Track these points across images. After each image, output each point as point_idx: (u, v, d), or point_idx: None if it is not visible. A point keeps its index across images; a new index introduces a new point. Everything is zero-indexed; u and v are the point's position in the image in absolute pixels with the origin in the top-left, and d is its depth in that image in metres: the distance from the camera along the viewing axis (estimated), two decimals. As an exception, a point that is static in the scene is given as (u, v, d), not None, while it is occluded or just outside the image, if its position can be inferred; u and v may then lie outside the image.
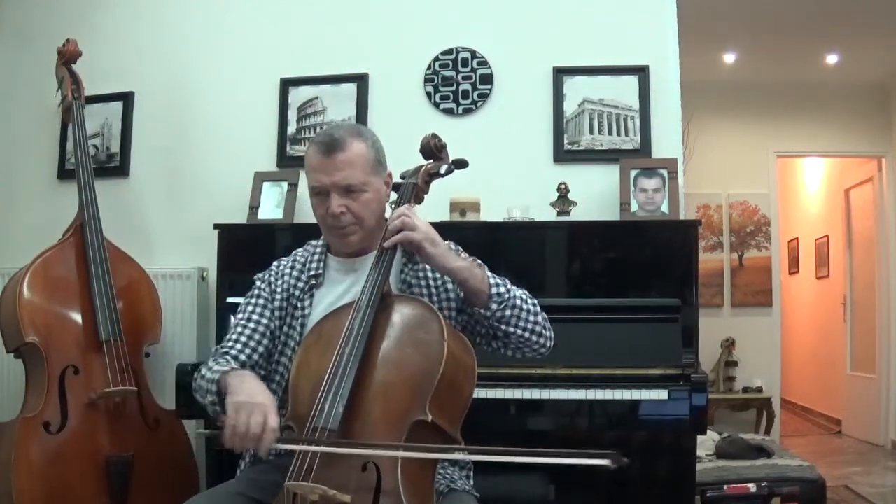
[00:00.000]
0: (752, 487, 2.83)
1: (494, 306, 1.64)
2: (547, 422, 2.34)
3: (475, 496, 1.67)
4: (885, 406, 5.41)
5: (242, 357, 1.68)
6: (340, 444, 1.41)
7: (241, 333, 1.72)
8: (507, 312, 1.65)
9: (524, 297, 1.70)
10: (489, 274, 1.67)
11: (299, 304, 1.74)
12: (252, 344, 1.71)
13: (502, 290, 1.65)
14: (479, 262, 1.77)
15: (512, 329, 1.67)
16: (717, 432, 3.61)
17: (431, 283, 1.74)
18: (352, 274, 1.73)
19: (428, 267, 1.77)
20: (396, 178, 1.87)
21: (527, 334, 1.68)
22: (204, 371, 1.63)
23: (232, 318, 1.78)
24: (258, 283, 1.82)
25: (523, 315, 1.67)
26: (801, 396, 7.22)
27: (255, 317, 1.75)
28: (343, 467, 1.40)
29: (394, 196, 1.83)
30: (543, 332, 1.70)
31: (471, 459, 1.41)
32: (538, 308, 1.71)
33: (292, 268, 1.80)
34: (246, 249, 2.84)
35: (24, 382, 2.57)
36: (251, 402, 1.43)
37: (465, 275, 1.63)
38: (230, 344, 1.70)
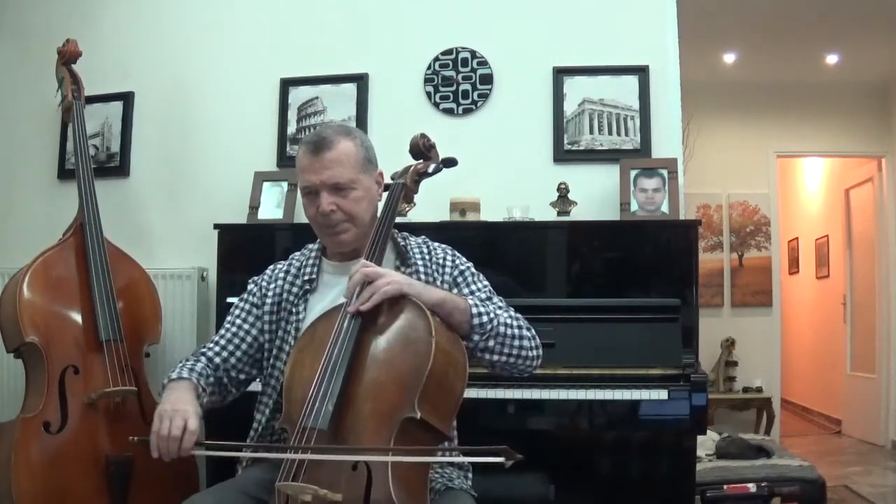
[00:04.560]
0: (752, 487, 2.83)
1: (477, 337, 1.62)
2: (547, 422, 2.34)
3: (472, 495, 1.67)
4: (885, 406, 5.42)
5: (217, 360, 1.75)
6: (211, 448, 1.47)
7: (222, 336, 1.79)
8: (491, 343, 1.64)
9: (508, 321, 1.66)
10: (472, 302, 1.64)
11: (293, 310, 1.75)
12: (230, 348, 1.77)
13: (485, 319, 1.62)
14: (473, 270, 1.79)
15: (496, 357, 1.66)
16: (717, 432, 3.61)
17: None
18: (345, 277, 1.71)
19: (421, 268, 1.77)
20: (388, 180, 1.88)
21: (511, 359, 1.66)
22: (171, 372, 1.70)
23: (229, 319, 1.82)
24: (251, 286, 1.85)
25: (507, 342, 1.65)
26: (801, 396, 7.22)
27: (238, 321, 1.80)
28: (333, 467, 1.40)
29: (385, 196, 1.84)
30: (529, 353, 1.68)
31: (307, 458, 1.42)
32: (524, 329, 1.68)
33: (287, 272, 1.81)
34: (246, 249, 2.84)
35: (24, 382, 2.57)
36: (172, 408, 1.52)
37: (448, 307, 1.60)
38: (210, 344, 1.78)
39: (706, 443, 3.32)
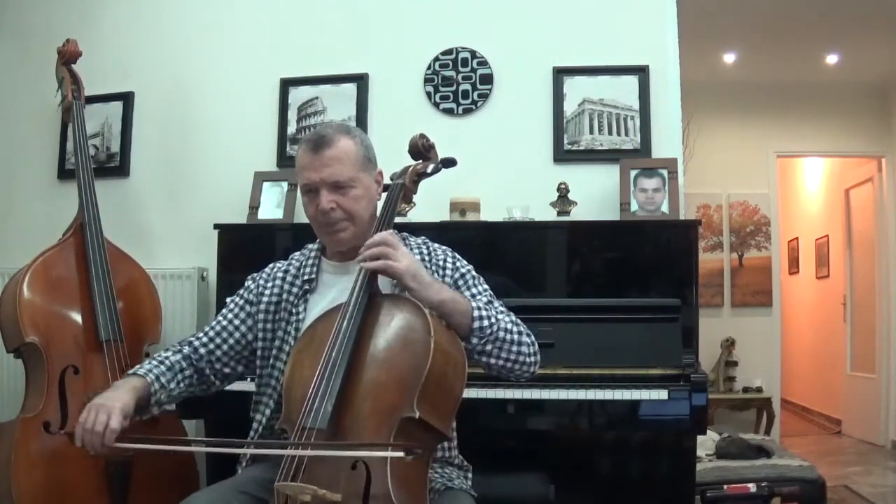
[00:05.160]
0: (752, 487, 2.83)
1: (475, 340, 1.62)
2: (547, 422, 2.34)
3: (472, 495, 1.67)
4: (885, 406, 5.41)
5: (203, 350, 1.76)
6: (170, 442, 1.46)
7: (212, 328, 1.80)
8: (489, 347, 1.64)
9: (509, 326, 1.66)
10: (474, 305, 1.64)
11: (293, 310, 1.75)
12: (217, 340, 1.78)
13: (485, 323, 1.62)
14: (474, 274, 1.79)
15: (493, 360, 1.66)
16: (717, 432, 3.61)
17: None
18: (345, 276, 1.72)
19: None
20: (387, 180, 1.88)
21: (509, 364, 1.66)
22: (149, 358, 1.74)
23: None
24: (248, 282, 1.85)
25: (506, 346, 1.65)
26: (801, 396, 7.22)
27: (230, 315, 1.81)
28: (332, 466, 1.40)
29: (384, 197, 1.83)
30: (527, 359, 1.68)
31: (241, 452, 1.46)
32: (524, 335, 1.68)
33: (286, 272, 1.81)
34: (246, 249, 2.85)
35: (24, 382, 2.57)
36: (101, 403, 1.53)
37: (448, 308, 1.60)
38: (200, 334, 1.79)
39: (706, 443, 3.32)
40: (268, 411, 1.74)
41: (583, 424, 2.32)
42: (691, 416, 2.24)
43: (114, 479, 2.44)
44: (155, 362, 1.70)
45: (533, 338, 1.70)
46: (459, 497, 1.62)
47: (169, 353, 1.74)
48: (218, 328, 1.79)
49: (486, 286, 1.80)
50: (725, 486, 2.83)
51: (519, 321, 1.71)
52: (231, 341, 1.78)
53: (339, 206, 1.70)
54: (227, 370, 1.79)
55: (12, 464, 2.32)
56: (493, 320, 1.64)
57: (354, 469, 1.39)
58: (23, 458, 2.34)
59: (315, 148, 1.70)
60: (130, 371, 1.68)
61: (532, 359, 1.69)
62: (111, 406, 1.52)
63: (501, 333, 1.64)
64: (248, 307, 1.81)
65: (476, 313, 1.62)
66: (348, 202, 1.70)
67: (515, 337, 1.66)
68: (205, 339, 1.78)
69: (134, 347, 2.65)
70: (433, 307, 1.58)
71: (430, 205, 2.64)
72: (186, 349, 1.76)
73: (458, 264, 1.81)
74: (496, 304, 1.75)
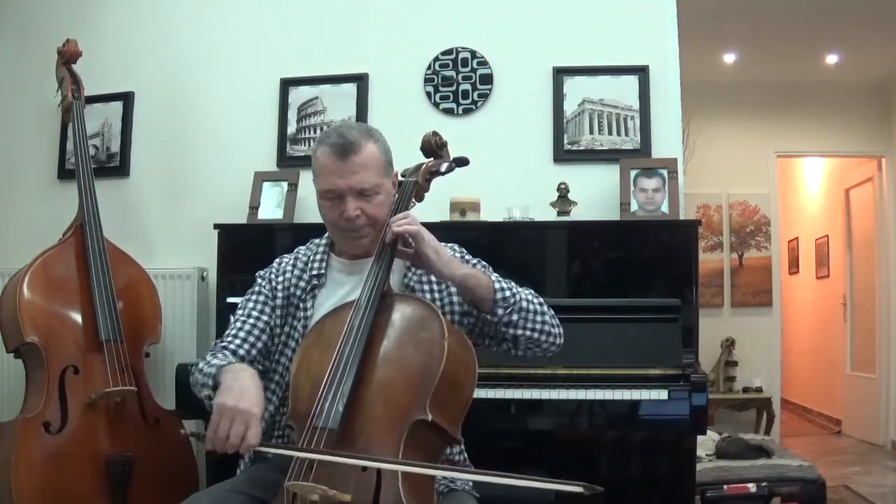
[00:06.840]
0: (752, 487, 2.83)
1: (500, 311, 1.63)
2: (547, 422, 2.34)
3: (474, 496, 1.67)
4: (885, 406, 5.42)
5: (241, 352, 1.68)
6: (330, 452, 1.40)
7: (240, 329, 1.72)
8: (514, 317, 1.65)
9: (530, 297, 1.69)
10: (494, 277, 1.66)
11: (301, 305, 1.74)
12: (251, 339, 1.71)
13: (507, 294, 1.64)
14: (484, 263, 1.78)
15: (520, 332, 1.66)
16: (717, 432, 3.61)
17: (435, 286, 1.74)
18: (355, 275, 1.71)
19: None
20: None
21: (535, 335, 1.68)
22: (202, 365, 1.63)
23: (231, 318, 1.79)
24: (259, 279, 1.83)
25: (530, 316, 1.66)
26: (801, 396, 7.22)
27: (255, 313, 1.75)
28: (343, 467, 1.39)
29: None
30: (552, 329, 1.70)
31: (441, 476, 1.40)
32: (545, 307, 1.70)
33: (294, 266, 1.80)
34: (246, 249, 2.84)
35: (24, 382, 2.57)
36: (237, 407, 1.41)
37: (472, 282, 1.61)
38: (229, 339, 1.71)
39: (706, 443, 3.32)
40: (271, 407, 1.73)
41: (583, 424, 2.32)
42: (691, 416, 2.24)
43: (114, 479, 2.44)
44: (223, 363, 1.58)
45: (553, 311, 1.71)
46: (462, 498, 1.61)
47: (220, 358, 1.63)
48: (247, 328, 1.73)
49: (497, 275, 1.80)
50: (725, 486, 2.83)
51: (538, 294, 1.72)
52: (264, 338, 1.73)
53: (364, 212, 1.68)
54: (260, 367, 1.73)
55: (12, 464, 2.32)
56: (514, 290, 1.66)
57: (365, 470, 1.39)
58: (23, 458, 2.34)
59: (342, 153, 1.66)
60: (222, 362, 1.57)
61: (557, 329, 1.71)
62: (250, 413, 1.41)
63: (524, 303, 1.66)
64: (269, 302, 1.77)
65: (497, 285, 1.64)
66: (373, 209, 1.69)
67: (538, 307, 1.68)
68: (237, 342, 1.70)
69: (134, 347, 2.65)
70: (455, 282, 1.60)
71: (429, 205, 2.61)
72: (228, 355, 1.66)
73: (466, 257, 1.81)
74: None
